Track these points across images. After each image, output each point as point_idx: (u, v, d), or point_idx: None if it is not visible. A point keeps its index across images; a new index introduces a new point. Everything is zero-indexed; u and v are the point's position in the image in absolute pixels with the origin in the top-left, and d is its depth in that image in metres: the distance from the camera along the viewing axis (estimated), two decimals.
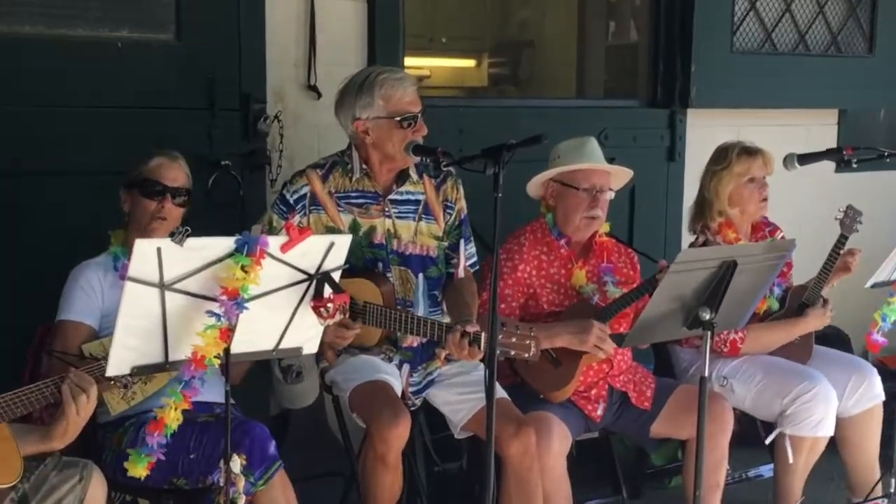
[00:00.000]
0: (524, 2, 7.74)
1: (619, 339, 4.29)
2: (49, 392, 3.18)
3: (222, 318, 3.04)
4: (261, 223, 4.07)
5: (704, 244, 4.61)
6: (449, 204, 4.23)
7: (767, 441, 4.74)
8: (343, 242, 3.23)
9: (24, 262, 4.26)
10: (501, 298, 4.31)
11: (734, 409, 4.56)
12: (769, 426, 4.75)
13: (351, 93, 4.02)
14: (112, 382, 3.24)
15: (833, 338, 5.68)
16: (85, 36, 4.42)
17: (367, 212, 4.10)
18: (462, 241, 4.27)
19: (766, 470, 5.08)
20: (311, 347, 3.38)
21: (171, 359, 3.11)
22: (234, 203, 4.67)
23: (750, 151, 4.84)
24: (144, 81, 4.51)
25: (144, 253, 2.90)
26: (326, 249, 3.18)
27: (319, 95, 4.90)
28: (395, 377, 4.08)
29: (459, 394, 4.16)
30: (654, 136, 6.16)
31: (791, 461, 4.67)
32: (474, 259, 4.36)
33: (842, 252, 4.84)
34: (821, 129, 6.83)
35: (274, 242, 3.07)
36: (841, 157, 4.58)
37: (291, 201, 4.05)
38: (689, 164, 6.09)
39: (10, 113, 4.26)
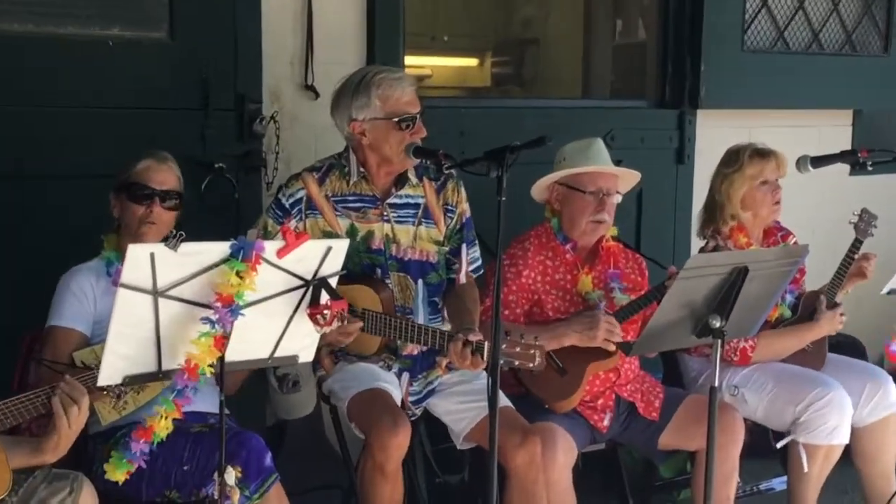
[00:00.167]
0: None
1: (626, 348, 4.30)
2: (39, 403, 3.18)
3: (216, 326, 3.04)
4: (256, 227, 4.08)
5: (715, 249, 4.62)
6: (450, 207, 4.23)
7: (779, 445, 4.74)
8: (340, 247, 3.23)
9: (13, 264, 4.27)
10: (505, 304, 4.32)
11: (745, 420, 4.55)
12: (781, 437, 4.74)
13: (347, 93, 4.03)
14: (104, 392, 3.24)
15: (847, 345, 5.67)
16: (75, 34, 4.42)
17: (365, 216, 4.10)
18: (464, 246, 4.27)
19: (779, 483, 5.08)
20: (307, 356, 3.37)
21: (164, 368, 3.11)
22: (229, 207, 4.68)
23: (762, 153, 4.84)
24: (136, 81, 4.51)
25: (137, 258, 2.90)
26: (323, 254, 3.18)
27: (317, 95, 4.90)
28: (395, 386, 4.09)
29: (461, 402, 4.16)
30: (663, 137, 6.17)
31: (806, 470, 4.66)
32: (478, 264, 4.36)
33: (856, 257, 4.85)
34: (835, 130, 6.83)
35: (270, 247, 3.07)
36: (856, 160, 4.58)
37: (287, 206, 4.06)
38: (699, 166, 6.09)
39: None
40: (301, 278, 3.18)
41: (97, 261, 3.87)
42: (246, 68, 4.73)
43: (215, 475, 3.25)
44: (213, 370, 3.10)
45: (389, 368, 4.15)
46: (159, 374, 3.12)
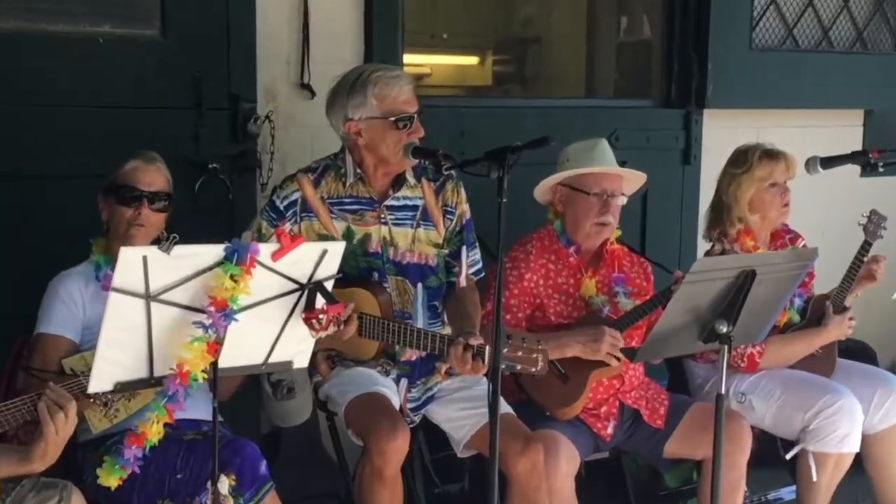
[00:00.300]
0: None
1: (630, 354, 4.30)
2: (25, 409, 3.18)
3: (209, 331, 3.04)
4: (250, 230, 4.09)
5: (722, 254, 4.62)
6: (449, 209, 4.23)
7: (788, 456, 4.74)
8: (336, 250, 3.24)
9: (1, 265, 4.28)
10: (506, 309, 4.32)
11: (753, 428, 4.56)
12: (790, 445, 4.75)
13: (343, 92, 4.03)
14: (92, 400, 3.25)
15: (857, 351, 5.67)
16: (65, 31, 4.43)
17: (362, 219, 4.11)
18: (464, 248, 4.28)
19: (787, 492, 5.09)
20: (301, 361, 3.38)
21: (156, 374, 3.11)
22: (223, 208, 4.68)
23: (772, 154, 4.84)
24: (127, 79, 4.52)
25: (130, 262, 2.91)
26: (319, 257, 3.19)
27: (313, 94, 4.91)
28: (393, 392, 4.09)
29: (461, 409, 4.16)
30: (668, 137, 6.17)
31: (815, 479, 4.66)
32: (478, 266, 4.36)
33: (866, 259, 4.85)
34: (845, 130, 6.84)
35: (264, 250, 3.08)
36: (866, 161, 4.59)
37: (281, 208, 4.06)
38: (706, 167, 6.10)
39: None
40: (296, 282, 3.19)
41: (86, 265, 3.88)
42: (240, 66, 4.73)
43: (209, 484, 3.26)
44: (206, 376, 3.10)
45: (387, 374, 4.15)
46: (151, 381, 3.12)
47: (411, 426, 4.12)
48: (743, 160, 4.86)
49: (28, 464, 3.19)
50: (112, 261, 3.66)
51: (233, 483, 3.30)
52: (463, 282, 4.28)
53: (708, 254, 4.77)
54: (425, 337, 3.89)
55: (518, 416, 4.12)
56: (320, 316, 3.21)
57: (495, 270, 3.39)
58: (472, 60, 8.07)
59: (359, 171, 4.09)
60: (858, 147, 6.65)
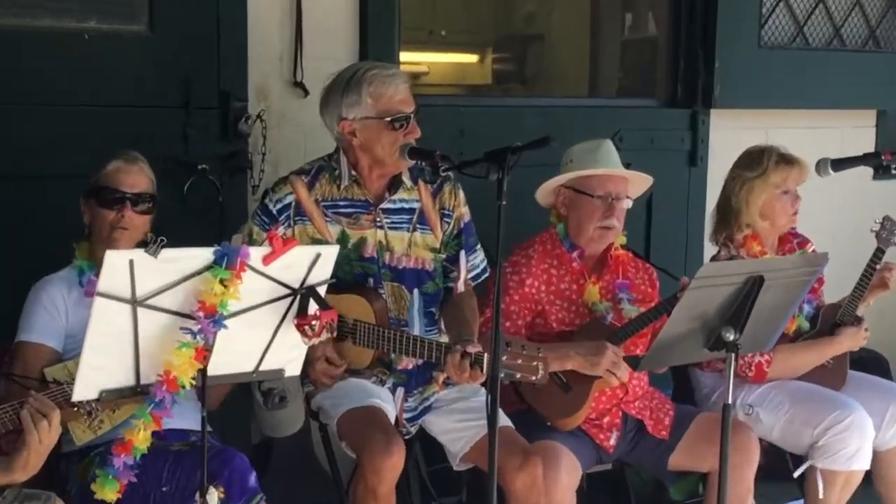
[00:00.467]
0: None
1: (634, 362, 4.29)
2: (7, 418, 3.18)
3: (198, 337, 3.04)
4: (241, 233, 4.08)
5: (730, 259, 4.62)
6: (446, 212, 4.23)
7: (796, 474, 4.74)
8: (330, 254, 3.24)
9: None
10: (506, 316, 4.33)
11: (760, 440, 4.56)
12: (798, 459, 4.75)
13: (337, 90, 4.03)
14: (76, 409, 3.25)
15: (870, 362, 5.66)
16: (49, 27, 4.43)
17: (357, 222, 4.11)
18: (463, 253, 4.27)
19: None
20: (293, 369, 3.38)
21: (143, 382, 3.11)
22: (213, 211, 4.68)
23: (788, 160, 4.81)
24: (114, 77, 4.52)
25: (115, 266, 2.90)
26: (312, 262, 3.19)
27: (306, 93, 4.91)
28: (389, 402, 4.09)
29: (459, 421, 4.16)
30: (674, 138, 6.18)
31: (822, 497, 4.66)
32: (478, 271, 4.36)
33: (878, 267, 4.85)
34: (857, 131, 6.84)
35: (255, 254, 3.07)
36: (879, 163, 4.59)
37: (274, 212, 4.06)
38: (712, 169, 6.10)
39: None
40: (288, 287, 3.19)
41: (68, 270, 3.88)
42: (231, 64, 4.73)
43: (196, 496, 3.25)
44: (194, 383, 3.10)
45: (383, 384, 4.15)
46: (138, 389, 3.12)
47: (407, 437, 4.13)
48: (757, 163, 4.83)
49: (10, 474, 3.19)
50: (96, 266, 3.67)
51: (221, 496, 3.29)
52: (461, 287, 4.28)
53: (714, 259, 4.79)
54: (422, 345, 3.89)
55: (518, 426, 4.12)
56: (313, 322, 3.20)
57: (494, 276, 3.39)
58: (472, 58, 8.07)
59: (353, 172, 4.09)
60: (871, 149, 6.65)
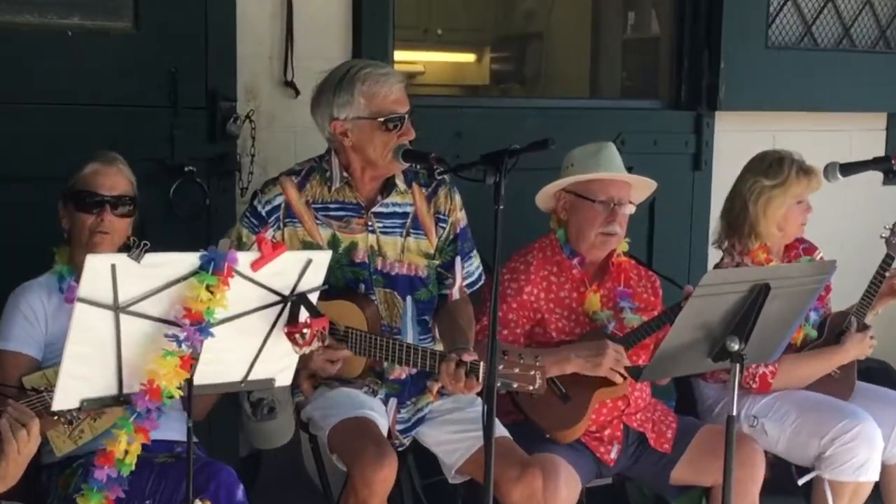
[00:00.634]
0: None
1: (636, 373, 4.30)
2: None
3: (183, 345, 3.03)
4: (228, 237, 4.08)
5: (735, 267, 4.62)
6: (441, 216, 4.23)
7: (802, 482, 4.73)
8: (322, 260, 3.24)
9: None
10: (504, 324, 4.33)
11: (766, 453, 4.56)
12: (805, 471, 4.74)
13: (329, 90, 4.03)
14: (56, 418, 3.24)
15: (878, 371, 5.67)
16: (31, 23, 4.42)
17: (348, 226, 4.10)
18: (458, 259, 4.27)
19: None
20: (284, 379, 3.38)
21: (126, 391, 3.10)
22: (200, 214, 4.68)
23: (807, 171, 4.80)
24: (97, 75, 4.51)
25: (97, 270, 2.90)
26: (303, 267, 3.19)
27: (297, 93, 4.91)
28: (381, 413, 4.08)
29: (454, 432, 4.15)
30: (678, 141, 6.17)
31: None
32: (474, 277, 4.35)
33: (888, 274, 4.84)
34: (867, 135, 6.84)
35: (243, 259, 3.07)
36: (889, 167, 4.58)
37: (263, 213, 4.06)
38: (717, 173, 6.10)
39: None
40: (278, 294, 3.19)
41: (48, 276, 3.87)
42: (219, 62, 4.72)
43: None
44: (181, 392, 3.09)
45: (375, 394, 4.15)
46: (121, 398, 3.11)
47: (400, 449, 4.13)
48: (777, 172, 4.80)
49: None
50: (76, 271, 3.66)
51: None
52: (456, 294, 4.27)
53: (718, 266, 4.79)
54: (415, 353, 3.89)
55: (515, 438, 4.12)
56: (304, 330, 3.20)
57: (491, 283, 3.39)
58: (469, 58, 8.09)
59: (345, 174, 4.08)
60: (881, 153, 6.65)
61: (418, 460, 4.44)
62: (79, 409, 3.11)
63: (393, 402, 4.16)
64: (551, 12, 7.70)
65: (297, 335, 3.20)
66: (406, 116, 4.01)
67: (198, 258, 3.01)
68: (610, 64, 7.18)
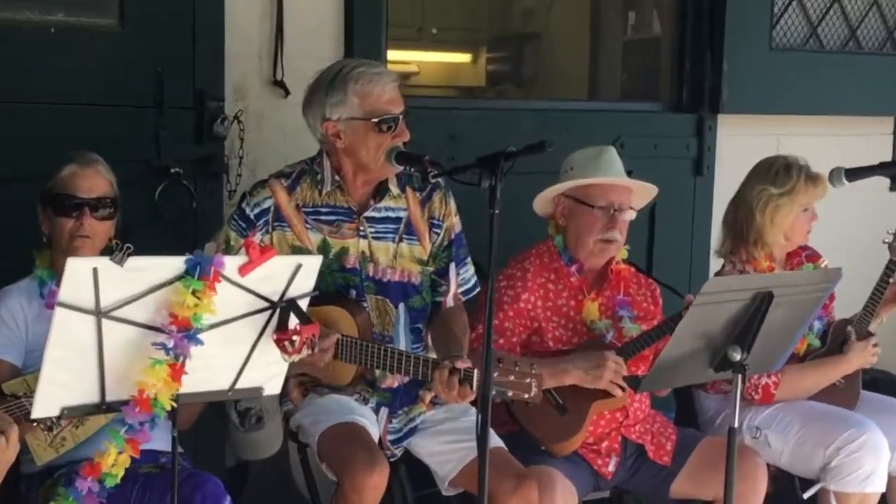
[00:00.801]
0: None
1: (635, 383, 4.29)
2: None
3: (171, 353, 3.03)
4: (215, 241, 4.07)
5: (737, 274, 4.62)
6: (436, 221, 4.23)
7: (807, 496, 4.73)
8: (312, 265, 3.23)
9: None
10: (500, 332, 4.32)
11: (768, 466, 4.55)
12: (809, 484, 4.74)
13: (321, 89, 4.03)
14: (35, 424, 3.23)
15: (883, 382, 5.68)
16: (13, 20, 4.41)
17: (339, 230, 4.10)
18: (452, 265, 4.27)
19: None
20: (272, 388, 3.37)
21: (108, 399, 3.09)
22: (186, 217, 4.68)
23: (815, 179, 4.81)
24: (81, 73, 4.52)
25: (78, 274, 2.89)
26: (293, 272, 3.18)
27: (287, 93, 4.91)
28: (372, 422, 4.08)
29: (447, 443, 4.15)
30: (679, 145, 6.18)
31: None
32: (469, 285, 4.35)
33: (891, 281, 4.85)
34: (874, 139, 6.86)
35: (231, 263, 3.07)
36: None
37: (252, 216, 4.06)
38: (720, 178, 6.11)
39: None
40: (267, 299, 3.18)
41: (28, 280, 3.86)
42: (206, 61, 4.73)
43: None
44: (173, 403, 3.08)
45: (366, 402, 4.14)
46: (103, 406, 3.10)
47: (392, 460, 4.12)
48: (785, 179, 4.80)
49: None
50: (57, 275, 3.64)
51: None
52: (450, 301, 4.27)
53: (719, 274, 4.79)
54: (407, 360, 3.88)
55: (510, 449, 4.11)
56: (293, 337, 3.19)
57: (486, 289, 3.38)
58: (464, 58, 8.10)
59: (337, 178, 4.08)
60: (888, 157, 6.67)
61: (410, 472, 4.42)
62: (59, 417, 3.10)
63: (384, 411, 4.16)
64: (549, 12, 7.72)
65: (287, 342, 3.19)
66: (400, 117, 4.00)
67: (183, 262, 3.01)
68: (609, 65, 7.20)
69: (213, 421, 4.21)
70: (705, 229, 6.14)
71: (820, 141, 6.22)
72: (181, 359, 3.04)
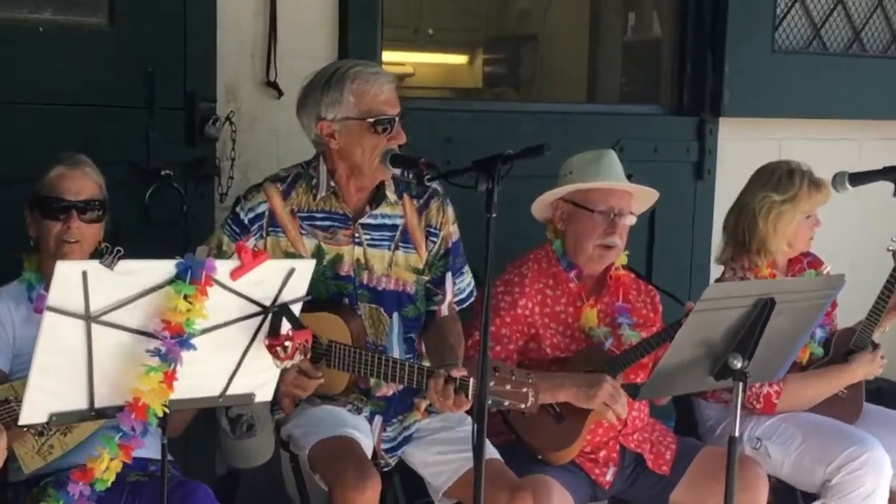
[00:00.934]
0: None
1: (633, 391, 4.29)
2: None
3: (166, 359, 3.02)
4: (208, 245, 4.06)
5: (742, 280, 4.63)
6: (433, 230, 4.23)
7: None
8: (305, 269, 3.23)
9: None
10: (496, 339, 4.32)
11: (769, 477, 4.55)
12: (810, 497, 4.75)
13: (317, 87, 4.02)
14: (24, 429, 3.23)
15: (889, 393, 5.68)
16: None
17: (334, 237, 4.10)
18: (449, 275, 4.27)
19: None
20: (264, 394, 3.37)
21: (98, 405, 3.09)
22: (177, 220, 4.68)
23: (818, 185, 4.81)
24: (70, 73, 4.51)
25: (67, 278, 2.89)
26: (285, 277, 3.18)
27: (280, 94, 4.92)
28: (365, 433, 4.08)
29: (442, 453, 4.15)
30: (680, 148, 6.19)
31: None
32: (465, 294, 4.36)
33: None
34: (878, 143, 6.86)
35: (223, 267, 3.07)
36: None
37: (246, 221, 4.05)
38: (721, 183, 6.12)
39: None
40: (259, 304, 3.18)
41: (16, 284, 3.86)
42: (198, 61, 4.73)
43: None
44: (167, 410, 3.08)
45: (359, 411, 4.14)
46: (92, 412, 3.10)
47: (386, 469, 4.12)
48: (788, 186, 4.80)
49: None
50: (46, 279, 3.65)
51: None
52: (445, 310, 4.28)
53: (720, 280, 4.79)
54: (402, 368, 3.88)
55: (506, 459, 4.12)
56: (285, 343, 3.19)
57: (483, 295, 3.38)
58: (461, 59, 8.10)
59: (332, 183, 4.08)
60: (892, 162, 6.65)
61: (405, 482, 4.43)
62: (47, 424, 3.10)
63: (378, 419, 4.16)
64: (547, 12, 7.72)
65: (279, 348, 3.19)
66: (396, 119, 4.00)
67: (174, 266, 3.01)
68: (609, 67, 7.20)
69: (204, 428, 4.21)
70: (706, 234, 6.14)
71: (823, 145, 6.24)
72: (173, 365, 3.04)
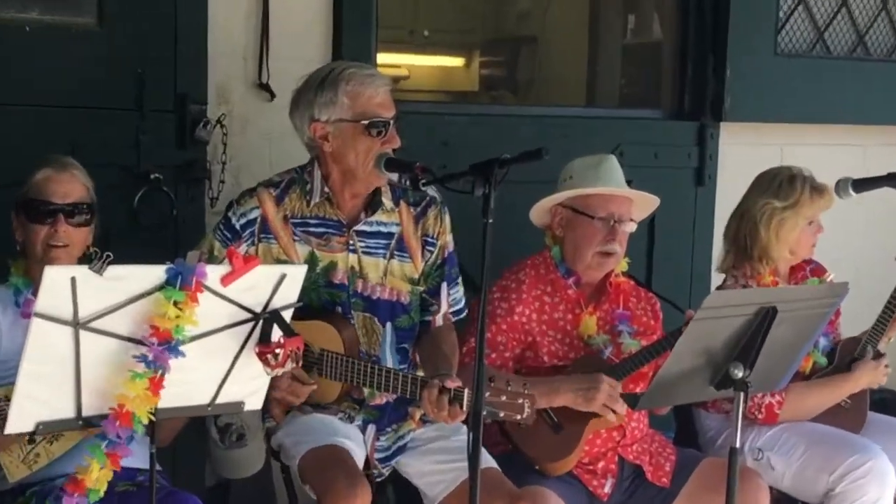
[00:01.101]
0: None
1: (632, 401, 4.29)
2: None
3: (152, 366, 3.02)
4: (199, 250, 4.07)
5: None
6: (429, 239, 4.22)
7: None
8: (296, 275, 3.24)
9: None
10: (492, 346, 4.32)
11: (771, 489, 4.55)
12: None
13: (311, 89, 4.02)
14: (16, 436, 3.23)
15: (893, 402, 5.68)
16: None
17: (328, 244, 4.09)
18: (444, 285, 4.27)
19: None
20: (254, 403, 3.37)
21: (85, 413, 3.10)
22: (167, 225, 4.68)
23: (820, 191, 4.81)
24: (57, 74, 4.51)
25: (55, 283, 2.89)
26: (276, 283, 3.18)
27: (272, 96, 4.92)
28: (357, 442, 4.07)
29: (437, 463, 4.14)
30: (680, 154, 6.19)
31: None
32: (459, 306, 4.35)
33: None
34: (882, 149, 6.86)
35: (213, 273, 3.07)
36: None
37: (238, 227, 4.05)
38: (722, 188, 6.12)
39: None
40: (250, 311, 3.18)
41: (3, 289, 3.85)
42: (189, 62, 4.73)
43: None
44: (152, 417, 3.08)
45: (351, 420, 4.14)
46: (80, 421, 3.10)
47: (379, 479, 4.12)
48: (789, 192, 4.81)
49: None
50: (33, 284, 3.65)
51: None
52: (440, 321, 4.28)
53: (721, 288, 4.78)
54: (395, 378, 3.87)
55: (503, 469, 4.11)
56: (276, 350, 3.19)
57: (479, 303, 3.38)
58: (457, 62, 8.08)
59: (326, 189, 4.07)
60: None
61: (399, 492, 4.42)
62: (34, 432, 3.10)
63: (371, 428, 4.16)
64: (546, 14, 7.70)
65: (269, 355, 3.19)
66: (391, 122, 4.00)
67: (164, 271, 3.01)
68: (608, 70, 7.20)
69: (193, 437, 4.20)
70: (707, 241, 6.14)
71: (826, 150, 6.24)
72: (160, 371, 3.04)
